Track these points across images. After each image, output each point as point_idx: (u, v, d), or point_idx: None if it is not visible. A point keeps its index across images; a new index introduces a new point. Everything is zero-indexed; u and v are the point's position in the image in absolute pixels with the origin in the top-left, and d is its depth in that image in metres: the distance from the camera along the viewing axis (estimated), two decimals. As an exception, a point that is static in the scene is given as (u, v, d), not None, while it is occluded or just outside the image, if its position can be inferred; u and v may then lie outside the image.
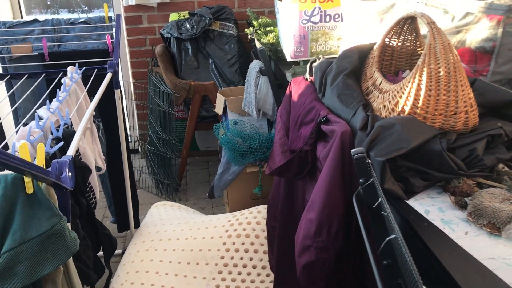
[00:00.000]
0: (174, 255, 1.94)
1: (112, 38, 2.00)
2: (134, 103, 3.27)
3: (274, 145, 1.55)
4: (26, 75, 1.79)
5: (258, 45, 2.30)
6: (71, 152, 1.06)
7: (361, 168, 0.97)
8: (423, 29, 1.42)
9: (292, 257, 1.63)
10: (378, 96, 1.23)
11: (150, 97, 2.99)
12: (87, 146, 1.73)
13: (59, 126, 1.25)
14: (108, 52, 1.99)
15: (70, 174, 0.97)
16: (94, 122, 2.24)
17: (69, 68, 1.74)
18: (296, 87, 1.50)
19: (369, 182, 0.95)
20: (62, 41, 2.04)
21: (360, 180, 0.98)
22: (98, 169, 1.90)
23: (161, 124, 2.82)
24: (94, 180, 1.68)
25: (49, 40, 2.04)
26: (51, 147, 1.10)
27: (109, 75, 1.75)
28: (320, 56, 1.46)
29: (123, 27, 3.13)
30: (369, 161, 0.96)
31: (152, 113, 2.95)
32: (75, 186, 1.20)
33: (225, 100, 2.33)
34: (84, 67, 1.79)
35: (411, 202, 1.09)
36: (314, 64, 1.45)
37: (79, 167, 1.21)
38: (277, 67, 2.26)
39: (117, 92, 1.90)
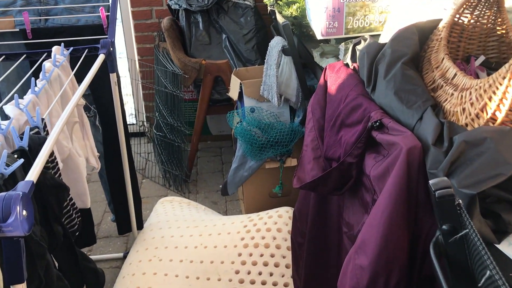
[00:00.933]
0: (181, 267, 1.66)
1: (107, 11, 1.68)
2: (140, 83, 2.96)
3: (304, 149, 1.24)
4: (3, 57, 1.49)
5: (279, 18, 1.96)
6: (33, 175, 0.76)
7: (446, 210, 0.66)
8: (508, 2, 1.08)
9: (324, 282, 1.34)
10: (451, 94, 0.91)
11: (156, 76, 2.68)
12: (77, 143, 1.44)
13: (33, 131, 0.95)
14: (103, 28, 1.67)
15: (25, 213, 0.67)
16: (90, 110, 1.94)
17: (54, 49, 1.43)
18: (334, 76, 1.17)
19: (460, 234, 0.65)
20: (50, 15, 1.73)
21: (443, 227, 0.67)
22: (92, 167, 1.61)
23: (168, 108, 2.51)
24: (83, 187, 1.39)
25: (34, 13, 1.72)
26: (8, 165, 0.80)
27: (101, 57, 1.44)
28: (366, 35, 1.13)
29: (128, 0, 2.80)
30: (460, 202, 0.65)
31: (158, 95, 2.65)
32: (49, 211, 0.90)
33: (240, 84, 2.01)
34: (72, 47, 1.49)
35: (504, 247, 0.79)
36: (359, 47, 1.13)
37: (53, 186, 0.91)
38: (301, 45, 1.93)
39: (112, 76, 1.59)
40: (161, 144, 2.65)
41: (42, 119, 1.03)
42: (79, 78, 1.52)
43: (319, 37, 1.60)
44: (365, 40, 1.13)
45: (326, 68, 1.23)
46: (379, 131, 0.92)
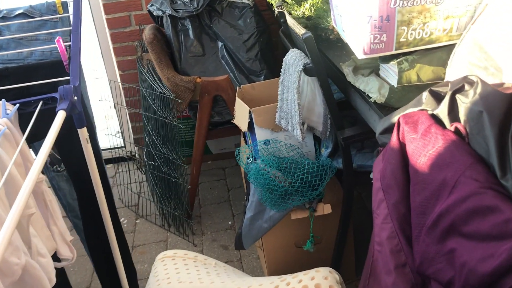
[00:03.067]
0: None
1: (67, 40, 1.23)
2: (126, 109, 2.51)
3: (375, 248, 0.82)
4: None
5: (293, 25, 1.53)
6: None
7: None
8: None
9: None
10: None
11: (142, 97, 2.24)
12: (39, 237, 1.02)
13: None
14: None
15: None
16: (60, 163, 1.51)
17: (-8, 107, 1.00)
18: (421, 140, 0.75)
19: None
20: (-10, 49, 1.28)
21: None
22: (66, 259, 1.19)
23: (160, 136, 2.08)
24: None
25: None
26: None
27: (60, 115, 1.00)
28: (473, 76, 0.71)
29: (101, 7, 2.33)
30: None
31: (147, 119, 2.21)
32: None
33: (250, 112, 1.58)
34: (18, 101, 1.05)
35: None
36: (464, 99, 0.71)
37: None
38: (322, 55, 1.50)
39: (82, 132, 1.15)
40: (154, 177, 2.23)
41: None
42: (33, 137, 1.10)
43: (360, 56, 1.17)
44: (470, 84, 0.70)
45: (400, 122, 0.81)
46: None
